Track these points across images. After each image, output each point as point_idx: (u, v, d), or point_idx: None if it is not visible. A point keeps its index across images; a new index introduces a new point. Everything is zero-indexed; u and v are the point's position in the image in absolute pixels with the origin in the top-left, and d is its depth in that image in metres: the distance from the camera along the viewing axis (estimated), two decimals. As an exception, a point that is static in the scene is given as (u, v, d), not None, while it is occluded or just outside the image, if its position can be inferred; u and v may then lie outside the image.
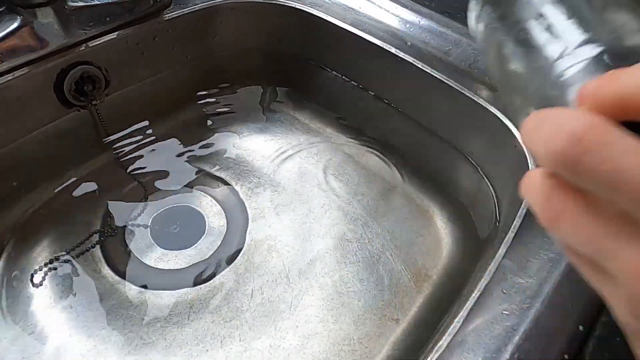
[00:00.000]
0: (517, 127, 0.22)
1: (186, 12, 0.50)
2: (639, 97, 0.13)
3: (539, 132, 0.14)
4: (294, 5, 0.51)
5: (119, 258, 0.44)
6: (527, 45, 0.24)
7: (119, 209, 0.48)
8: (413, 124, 0.49)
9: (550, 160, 0.13)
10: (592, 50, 0.19)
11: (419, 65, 0.45)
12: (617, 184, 0.12)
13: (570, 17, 0.22)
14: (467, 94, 0.42)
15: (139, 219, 0.47)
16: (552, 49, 0.21)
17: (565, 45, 0.21)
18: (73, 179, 0.49)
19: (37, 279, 0.42)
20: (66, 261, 0.43)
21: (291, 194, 0.49)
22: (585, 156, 0.13)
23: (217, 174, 0.51)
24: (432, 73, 0.44)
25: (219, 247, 0.45)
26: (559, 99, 0.19)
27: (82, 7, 0.43)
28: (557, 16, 0.23)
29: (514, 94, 0.24)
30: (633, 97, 0.13)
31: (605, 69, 0.18)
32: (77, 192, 0.48)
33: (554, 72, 0.20)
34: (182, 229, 0.46)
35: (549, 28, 0.23)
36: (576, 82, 0.19)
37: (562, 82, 0.19)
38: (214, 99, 0.58)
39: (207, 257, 0.45)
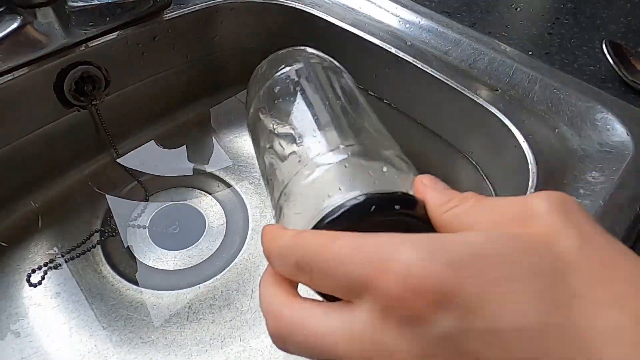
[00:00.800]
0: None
1: (186, 12, 0.50)
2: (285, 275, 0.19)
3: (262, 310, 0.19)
4: (294, 5, 0.51)
5: (119, 258, 0.44)
6: (281, 148, 0.26)
7: (119, 209, 0.48)
8: (413, 123, 0.49)
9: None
10: (335, 157, 0.22)
11: (419, 65, 0.45)
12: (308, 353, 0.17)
13: (319, 129, 0.25)
14: (467, 94, 0.42)
15: (139, 219, 0.47)
16: (301, 154, 0.24)
17: (313, 151, 0.23)
18: (73, 179, 0.49)
19: (37, 279, 0.42)
20: (66, 261, 0.43)
21: (291, 194, 0.49)
22: (290, 337, 0.18)
23: (217, 173, 0.51)
24: (432, 73, 0.44)
25: (219, 247, 0.45)
26: (304, 197, 0.22)
27: (82, 7, 0.43)
28: (305, 127, 0.26)
29: (269, 187, 0.27)
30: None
31: (345, 175, 0.22)
32: (77, 192, 0.48)
33: (304, 172, 0.23)
34: (182, 229, 0.46)
35: (299, 136, 0.26)
36: (323, 183, 0.22)
37: (310, 183, 0.22)
38: (214, 99, 0.58)
39: (207, 257, 0.45)
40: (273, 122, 0.28)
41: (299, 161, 0.23)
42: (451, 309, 0.14)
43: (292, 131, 0.26)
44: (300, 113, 0.27)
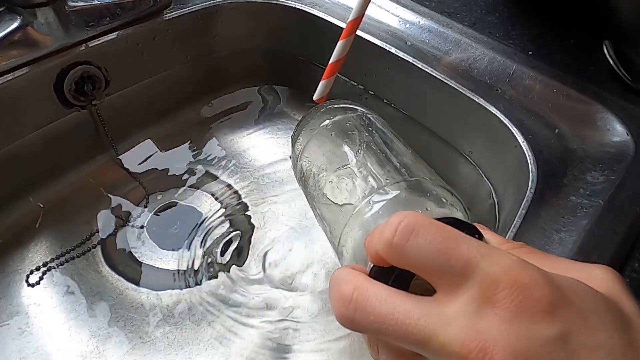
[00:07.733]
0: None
1: (186, 12, 0.50)
2: (381, 253, 0.19)
3: (331, 295, 0.20)
4: (294, 5, 0.51)
5: (119, 258, 0.44)
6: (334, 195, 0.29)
7: (119, 209, 0.48)
8: (413, 123, 0.49)
9: (338, 319, 0.19)
10: (386, 195, 0.24)
11: (419, 65, 0.45)
12: (380, 329, 0.18)
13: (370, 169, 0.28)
14: (467, 94, 0.42)
15: (139, 219, 0.47)
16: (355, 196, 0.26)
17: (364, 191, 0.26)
18: (73, 179, 0.49)
19: (36, 278, 0.42)
20: (66, 261, 0.44)
21: (292, 194, 0.49)
22: (357, 313, 0.19)
23: (217, 173, 0.51)
24: (432, 73, 0.44)
25: (219, 247, 0.45)
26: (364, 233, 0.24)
27: (82, 7, 0.43)
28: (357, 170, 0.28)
29: (332, 234, 0.29)
30: (378, 252, 0.19)
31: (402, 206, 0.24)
32: (77, 192, 0.48)
33: (361, 213, 0.25)
34: (182, 229, 0.46)
35: (351, 179, 0.28)
36: (377, 219, 0.24)
37: (366, 220, 0.24)
38: (214, 99, 0.58)
39: (207, 257, 0.45)
40: (324, 168, 0.31)
41: (360, 199, 0.25)
42: (559, 321, 0.16)
43: (345, 176, 0.28)
44: (350, 158, 0.30)
